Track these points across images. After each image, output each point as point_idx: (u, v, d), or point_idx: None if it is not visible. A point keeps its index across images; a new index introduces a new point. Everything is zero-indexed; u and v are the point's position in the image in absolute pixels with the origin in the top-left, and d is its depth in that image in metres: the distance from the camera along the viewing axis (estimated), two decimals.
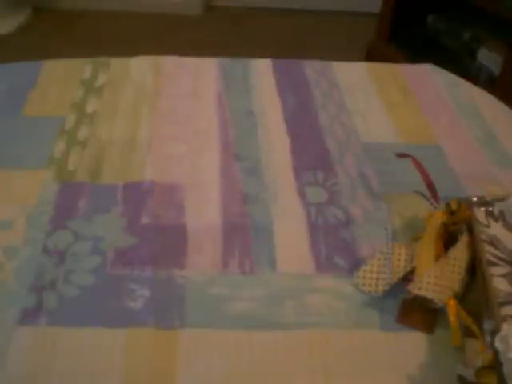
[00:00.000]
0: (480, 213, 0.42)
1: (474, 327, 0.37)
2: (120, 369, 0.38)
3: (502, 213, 0.42)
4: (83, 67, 0.69)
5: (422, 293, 0.40)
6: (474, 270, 0.41)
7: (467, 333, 0.38)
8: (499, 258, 0.39)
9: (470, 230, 0.42)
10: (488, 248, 0.40)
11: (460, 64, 1.28)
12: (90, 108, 0.62)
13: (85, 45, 1.40)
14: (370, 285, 0.43)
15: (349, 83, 0.69)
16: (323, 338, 0.41)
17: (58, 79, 0.67)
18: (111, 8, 1.59)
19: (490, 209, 0.42)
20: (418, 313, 0.41)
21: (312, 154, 0.58)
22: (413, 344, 0.40)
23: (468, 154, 0.59)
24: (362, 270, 0.44)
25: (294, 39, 1.53)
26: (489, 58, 1.24)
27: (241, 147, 0.58)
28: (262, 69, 0.71)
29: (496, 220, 0.41)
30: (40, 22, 1.54)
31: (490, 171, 0.56)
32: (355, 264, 0.45)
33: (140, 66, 0.70)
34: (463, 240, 0.42)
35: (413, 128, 0.62)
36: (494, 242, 0.40)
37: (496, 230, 0.41)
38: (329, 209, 0.51)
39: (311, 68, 0.72)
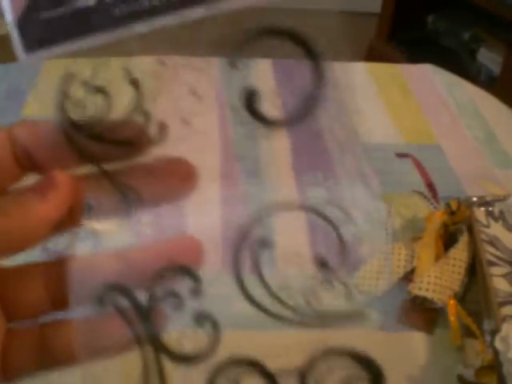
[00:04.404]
0: (480, 213, 0.42)
1: (473, 327, 0.37)
2: (120, 368, 0.38)
3: (502, 213, 0.42)
4: (83, 67, 0.69)
5: (422, 293, 0.40)
6: (474, 270, 0.41)
7: (467, 333, 0.38)
8: (499, 258, 0.39)
9: (470, 230, 0.42)
10: (488, 248, 0.40)
11: (460, 64, 1.28)
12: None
13: None
14: (369, 285, 0.43)
15: (349, 83, 0.69)
16: (323, 338, 0.40)
17: (58, 79, 0.67)
18: None
19: (490, 209, 0.42)
20: (417, 313, 0.41)
21: (312, 154, 0.57)
22: (413, 344, 0.40)
23: (468, 154, 0.59)
24: (362, 270, 0.44)
25: None
26: (489, 58, 1.24)
27: (241, 147, 0.58)
28: (262, 68, 0.71)
29: (496, 220, 0.41)
30: None
31: (490, 171, 0.56)
32: (355, 264, 0.45)
33: (140, 66, 0.70)
34: (463, 240, 0.42)
35: (413, 128, 0.62)
36: (493, 241, 0.40)
37: (496, 229, 0.41)
38: (329, 209, 0.51)
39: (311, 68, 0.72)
